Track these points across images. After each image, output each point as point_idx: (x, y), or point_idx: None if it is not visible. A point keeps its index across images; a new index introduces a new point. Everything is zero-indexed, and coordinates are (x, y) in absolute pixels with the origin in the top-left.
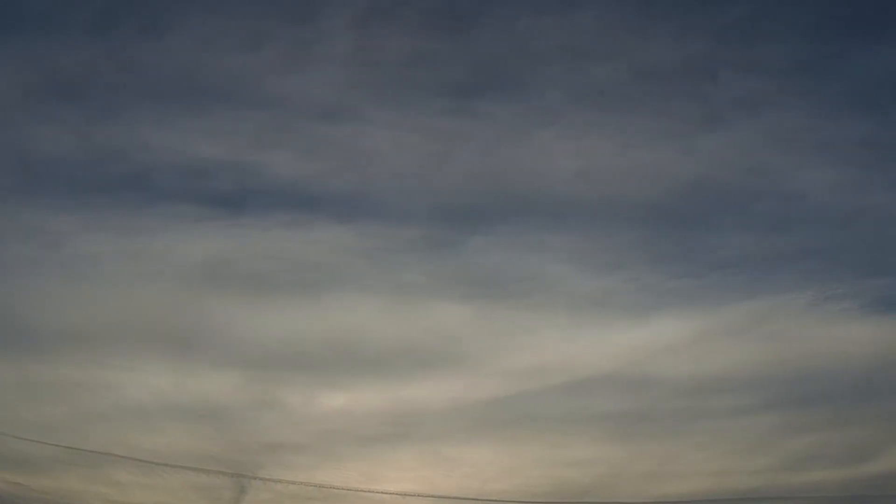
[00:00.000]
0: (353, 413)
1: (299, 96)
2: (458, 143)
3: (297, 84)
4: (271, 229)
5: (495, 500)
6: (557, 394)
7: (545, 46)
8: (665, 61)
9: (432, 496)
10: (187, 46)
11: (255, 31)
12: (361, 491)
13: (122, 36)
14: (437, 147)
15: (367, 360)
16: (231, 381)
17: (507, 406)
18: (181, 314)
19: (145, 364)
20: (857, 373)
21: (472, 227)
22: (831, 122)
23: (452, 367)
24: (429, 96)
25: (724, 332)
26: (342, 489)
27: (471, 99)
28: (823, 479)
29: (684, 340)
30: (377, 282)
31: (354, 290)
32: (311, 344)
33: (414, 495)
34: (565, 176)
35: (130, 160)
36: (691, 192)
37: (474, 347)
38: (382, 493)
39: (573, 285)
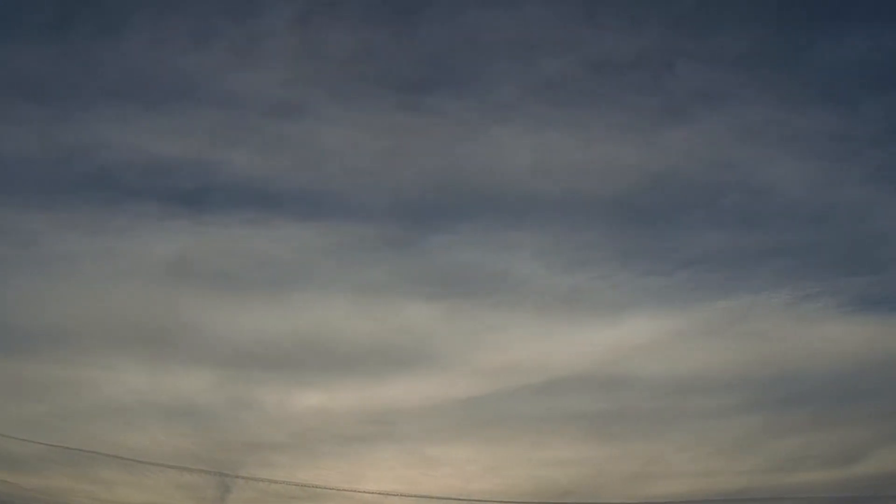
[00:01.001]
0: (330, 412)
1: (250, 94)
2: (411, 140)
3: (247, 81)
4: (234, 227)
5: (478, 500)
6: (533, 393)
7: (493, 39)
8: (619, 53)
9: (415, 496)
10: (141, 46)
11: (202, 29)
12: (345, 490)
13: (79, 37)
14: (391, 144)
15: (339, 358)
16: (206, 380)
17: (484, 405)
18: (154, 312)
19: (122, 362)
20: (839, 373)
21: (432, 225)
22: (799, 114)
23: (425, 366)
24: (378, 92)
25: (700, 331)
26: (326, 488)
27: (421, 94)
28: (811, 480)
29: (659, 340)
30: (342, 280)
31: (320, 288)
32: (283, 342)
33: (397, 495)
34: (525, 172)
35: (94, 159)
36: (656, 188)
37: (446, 346)
38: (366, 492)
39: (541, 283)
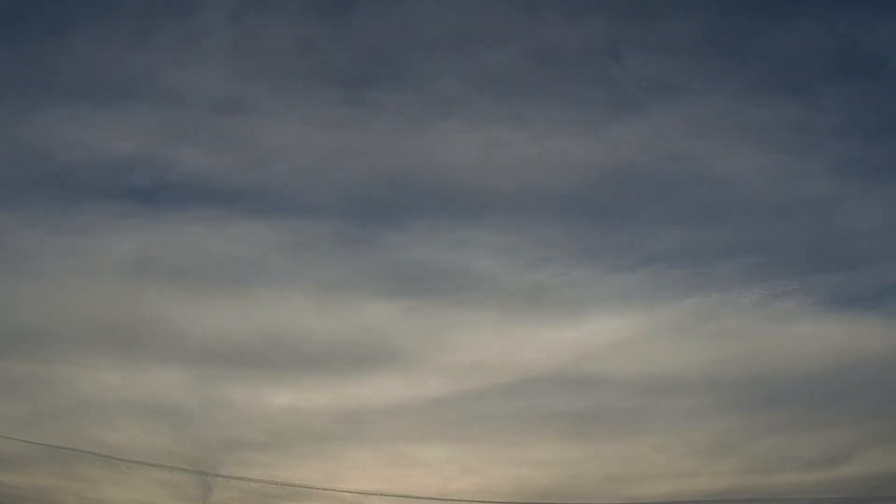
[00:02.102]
0: (303, 411)
1: (195, 91)
2: (357, 136)
3: (190, 79)
4: (191, 224)
5: (460, 500)
6: (504, 392)
7: (432, 31)
8: (563, 44)
9: (397, 495)
10: (87, 45)
11: (143, 28)
12: (325, 489)
13: (28, 36)
14: (338, 140)
15: (306, 357)
16: (177, 378)
17: (456, 405)
18: (120, 310)
19: (95, 360)
20: (815, 374)
21: (386, 223)
22: (755, 105)
23: (392, 364)
24: (320, 87)
25: (668, 329)
26: (307, 487)
27: (362, 89)
28: (795, 482)
29: (626, 338)
30: (301, 278)
31: (280, 286)
32: (248, 340)
33: (378, 494)
34: (474, 168)
35: (50, 158)
36: (610, 183)
37: (411, 345)
38: (347, 491)
39: (502, 281)
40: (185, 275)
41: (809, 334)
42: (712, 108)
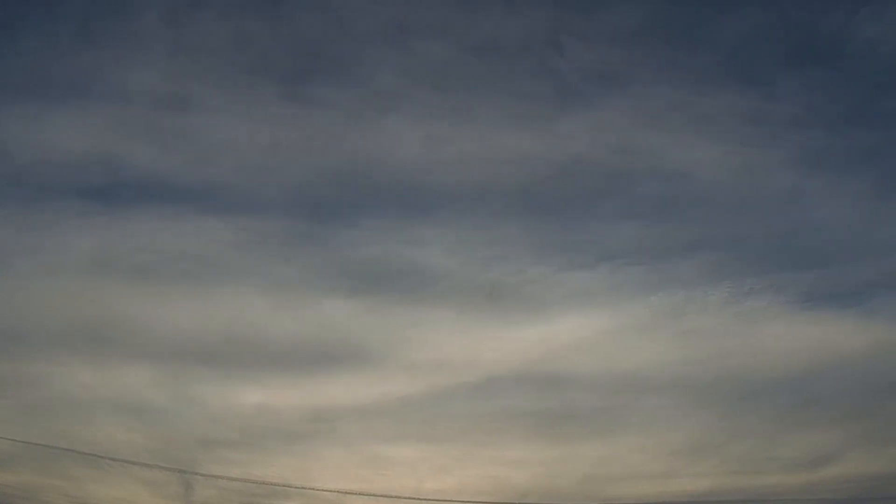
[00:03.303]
0: (273, 410)
1: (140, 89)
2: (300, 132)
3: (135, 78)
4: (147, 222)
5: (436, 500)
6: (471, 391)
7: (365, 24)
8: (500, 35)
9: (374, 495)
10: (34, 46)
11: (86, 28)
12: (305, 488)
13: None
14: (282, 136)
15: (271, 355)
16: (147, 376)
17: (424, 403)
18: (86, 308)
19: (65, 358)
20: (791, 374)
21: (335, 220)
22: (708, 95)
23: (357, 363)
24: (260, 83)
25: (633, 328)
26: (285, 486)
27: (300, 84)
28: (779, 483)
29: (590, 336)
30: (256, 275)
31: (236, 284)
32: (213, 338)
33: (355, 494)
34: (419, 165)
35: (7, 157)
36: (560, 178)
37: (374, 343)
38: (324, 490)
39: (458, 279)
40: (146, 272)
41: (783, 333)
42: (662, 99)
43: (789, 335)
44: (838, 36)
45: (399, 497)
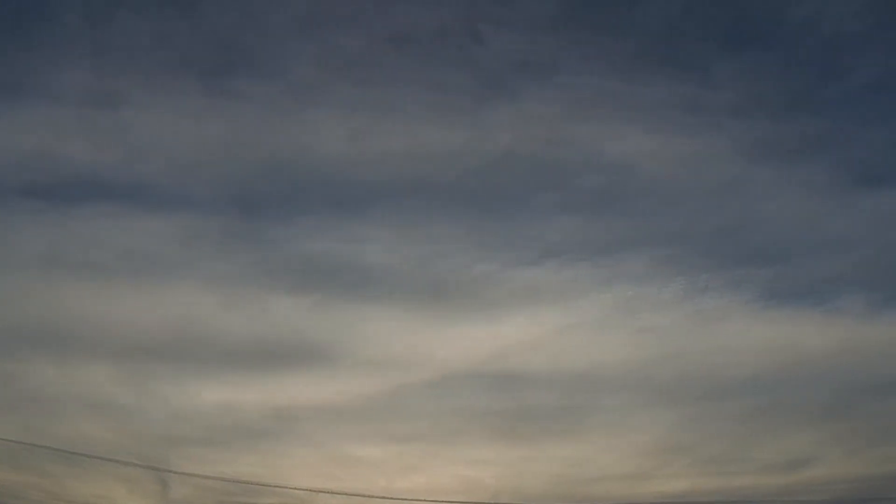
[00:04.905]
0: (235, 408)
1: (72, 88)
2: (224, 127)
3: (66, 77)
4: (92, 219)
5: (407, 500)
6: (429, 390)
7: (281, 17)
8: (416, 24)
9: (347, 494)
10: None
11: (12, 28)
12: (278, 487)
13: None
14: (208, 131)
15: (226, 353)
16: (107, 373)
17: (385, 402)
18: (41, 306)
19: (27, 355)
20: (759, 372)
21: (269, 217)
22: (639, 83)
23: (312, 361)
24: (183, 79)
25: (585, 325)
26: (259, 484)
27: (221, 78)
28: (754, 485)
29: (542, 335)
30: (199, 273)
31: (181, 280)
32: (166, 336)
33: (329, 493)
34: (346, 159)
35: None
36: (493, 172)
37: (326, 341)
38: (297, 489)
39: (402, 277)
40: (96, 269)
41: (745, 332)
42: (591, 88)
43: (752, 334)
44: (772, 18)
45: (372, 496)
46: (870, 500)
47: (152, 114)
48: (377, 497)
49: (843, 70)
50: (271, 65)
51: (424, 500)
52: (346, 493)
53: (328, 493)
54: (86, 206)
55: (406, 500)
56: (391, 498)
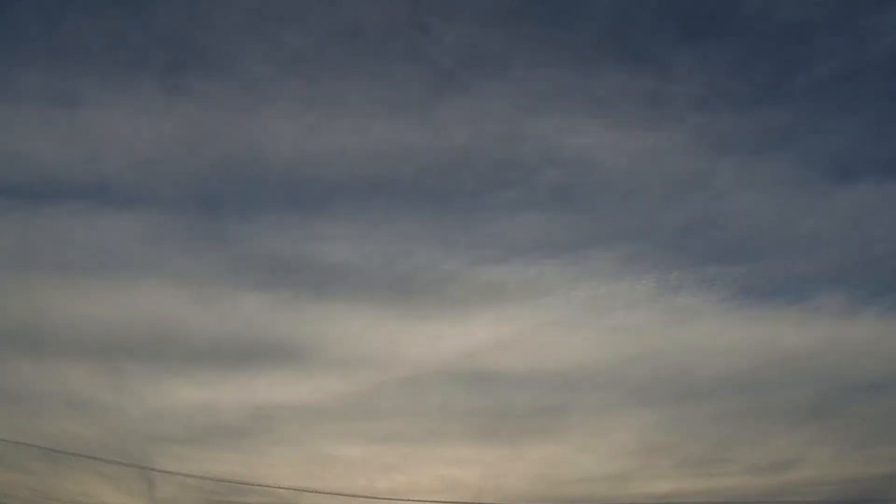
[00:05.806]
0: (212, 407)
1: (32, 88)
2: (179, 125)
3: (24, 76)
4: (61, 218)
5: (390, 499)
6: (402, 388)
7: (232, 14)
8: (363, 19)
9: (330, 493)
10: None
11: None
12: (263, 486)
13: None
14: (164, 130)
15: (199, 351)
16: (84, 371)
17: (361, 401)
18: (15, 304)
19: (2, 353)
20: (734, 372)
21: (230, 215)
22: (594, 77)
23: (287, 359)
24: (139, 78)
25: (558, 323)
26: (243, 483)
27: (175, 77)
28: (738, 485)
29: (513, 333)
30: (166, 270)
31: (150, 278)
32: (138, 334)
33: (312, 492)
34: (304, 157)
35: None
36: (449, 169)
37: (294, 339)
38: (282, 488)
39: (368, 275)
40: (66, 267)
41: (721, 331)
42: (546, 82)
43: (728, 333)
44: (726, 5)
45: (355, 496)
46: (854, 503)
47: (110, 113)
48: (361, 496)
49: (803, 60)
50: (223, 62)
51: (407, 500)
52: (329, 493)
53: (312, 492)
54: (51, 204)
55: (389, 499)
56: (374, 497)
